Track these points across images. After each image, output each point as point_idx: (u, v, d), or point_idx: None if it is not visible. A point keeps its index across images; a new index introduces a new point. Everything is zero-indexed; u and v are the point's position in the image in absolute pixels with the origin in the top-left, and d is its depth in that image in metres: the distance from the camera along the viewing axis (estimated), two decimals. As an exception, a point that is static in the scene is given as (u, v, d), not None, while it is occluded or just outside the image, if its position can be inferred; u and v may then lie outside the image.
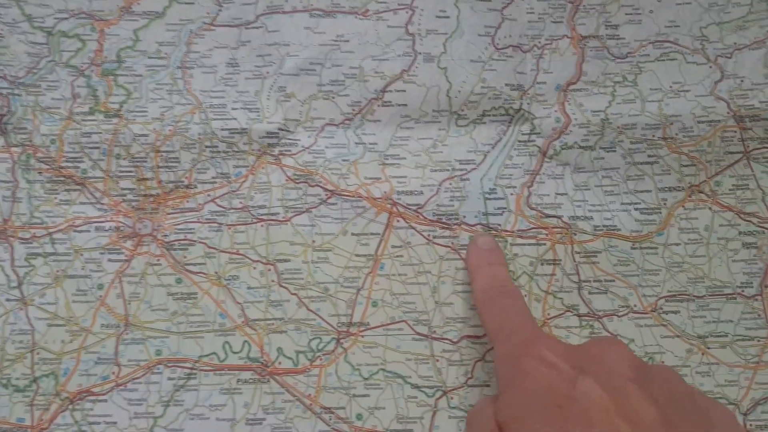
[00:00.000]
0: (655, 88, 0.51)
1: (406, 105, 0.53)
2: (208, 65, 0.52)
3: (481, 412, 0.37)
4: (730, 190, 0.52)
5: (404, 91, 0.53)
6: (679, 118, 0.52)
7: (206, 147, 0.49)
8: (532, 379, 0.34)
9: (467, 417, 0.40)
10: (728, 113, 0.50)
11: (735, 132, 0.53)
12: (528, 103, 0.53)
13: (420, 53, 0.53)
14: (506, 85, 0.53)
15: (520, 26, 0.52)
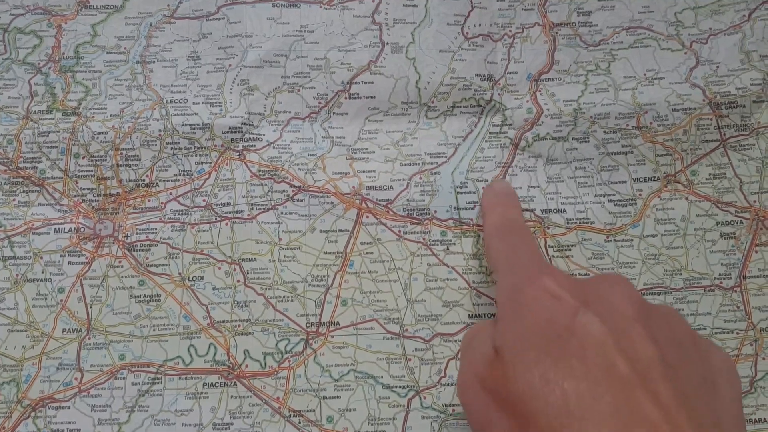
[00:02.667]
0: (628, 76, 0.45)
1: (374, 97, 0.47)
2: (169, 59, 0.46)
3: (478, 334, 0.34)
4: (706, 179, 0.47)
5: (372, 82, 0.47)
6: (654, 107, 0.47)
7: (167, 144, 0.43)
8: (534, 308, 0.31)
9: (463, 339, 0.36)
10: (704, 100, 0.45)
11: (711, 120, 0.47)
12: (499, 94, 0.47)
13: (387, 43, 0.47)
14: (477, 75, 0.47)
15: (490, 14, 0.45)
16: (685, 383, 0.27)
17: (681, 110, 0.46)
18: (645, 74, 0.45)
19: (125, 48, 0.47)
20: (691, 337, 0.31)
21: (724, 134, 0.47)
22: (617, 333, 0.28)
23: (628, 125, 0.46)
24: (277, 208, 0.42)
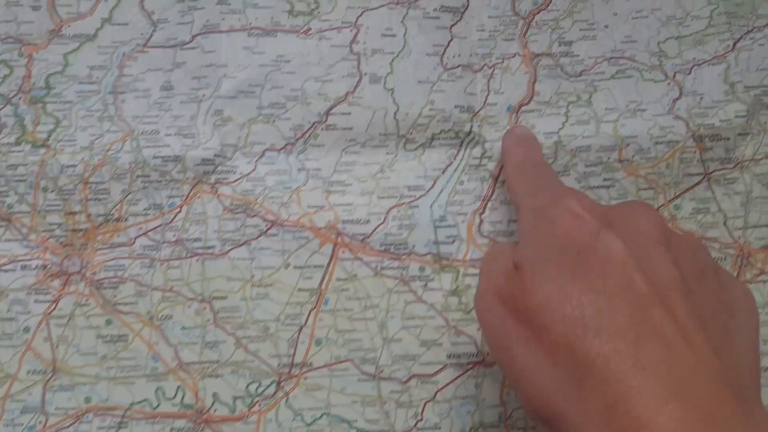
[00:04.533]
0: (610, 107, 0.36)
1: (351, 128, 0.40)
2: (142, 89, 0.39)
3: (498, 252, 0.30)
4: (690, 214, 0.39)
5: (349, 113, 0.40)
6: (636, 140, 0.39)
7: (138, 177, 0.35)
8: (556, 226, 0.27)
9: (483, 257, 0.32)
10: (687, 133, 0.35)
11: (694, 153, 0.40)
12: (479, 126, 0.40)
13: (365, 74, 0.40)
14: (456, 106, 0.40)
15: (469, 44, 0.36)
16: (703, 307, 0.24)
17: (664, 143, 0.39)
18: (627, 106, 0.37)
19: (97, 78, 0.39)
20: (713, 267, 0.27)
21: (708, 168, 0.39)
22: (639, 253, 0.25)
23: (609, 158, 0.39)
24: (250, 244, 0.33)
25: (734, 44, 0.39)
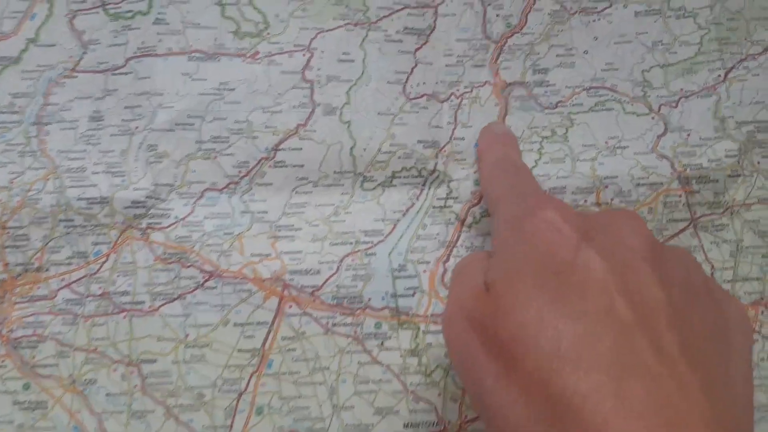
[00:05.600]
0: (588, 144, 0.30)
1: (302, 165, 0.30)
2: (68, 120, 0.30)
3: (470, 264, 0.23)
4: None
5: (300, 149, 0.30)
6: (615, 180, 0.31)
7: (60, 221, 0.30)
8: (533, 240, 0.21)
9: (454, 269, 0.24)
10: (672, 174, 0.30)
11: (680, 196, 0.30)
12: (444, 163, 0.31)
13: (319, 104, 0.31)
14: (419, 141, 0.31)
15: (435, 71, 0.28)
16: (693, 332, 0.18)
17: (646, 185, 0.31)
18: (606, 142, 0.31)
19: (20, 107, 0.30)
20: (704, 282, 0.21)
21: (695, 213, 0.30)
22: (622, 272, 0.19)
23: (586, 201, 0.30)
24: (185, 298, 0.26)
25: (726, 74, 0.28)
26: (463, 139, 0.30)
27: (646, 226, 0.21)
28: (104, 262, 0.28)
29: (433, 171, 0.30)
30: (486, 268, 0.22)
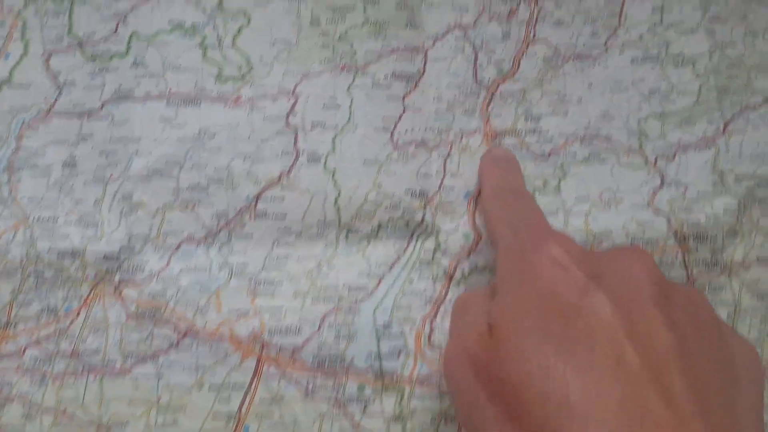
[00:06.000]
0: (581, 196, 0.28)
1: (284, 216, 0.27)
2: (41, 166, 0.27)
3: (472, 302, 0.21)
4: None
5: (283, 198, 0.27)
6: (610, 236, 0.27)
7: (30, 274, 0.26)
8: (537, 279, 0.19)
9: (455, 304, 0.22)
10: (669, 231, 0.28)
11: (676, 255, 0.27)
12: (432, 214, 0.28)
13: (303, 151, 0.27)
14: (407, 191, 0.28)
15: (424, 117, 0.28)
16: (703, 379, 0.17)
17: (642, 241, 0.27)
18: (601, 195, 0.28)
19: None
20: (714, 324, 0.19)
21: (692, 272, 0.27)
22: (631, 316, 0.17)
23: None
24: (158, 358, 0.22)
25: (725, 125, 0.25)
26: (452, 189, 0.27)
27: (655, 263, 0.20)
28: (75, 318, 0.25)
29: (421, 222, 0.27)
30: (489, 306, 0.20)
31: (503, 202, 0.25)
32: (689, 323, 0.18)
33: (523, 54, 0.29)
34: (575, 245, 0.20)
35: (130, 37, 0.27)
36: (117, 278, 0.25)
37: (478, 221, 0.27)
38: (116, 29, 0.28)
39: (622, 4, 0.29)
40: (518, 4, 0.29)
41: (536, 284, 0.19)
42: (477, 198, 0.27)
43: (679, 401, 0.16)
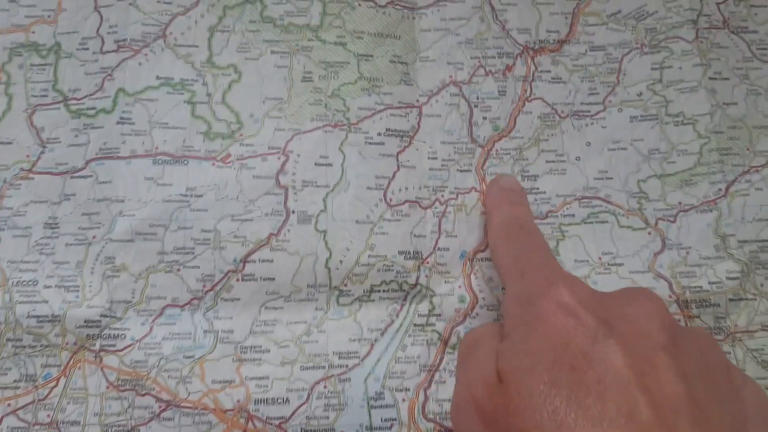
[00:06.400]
0: (580, 260, 0.27)
1: (273, 279, 0.26)
2: (21, 226, 0.26)
3: (481, 345, 0.20)
4: None
5: (271, 261, 0.25)
6: None
7: (8, 340, 0.24)
8: (547, 326, 0.18)
9: (462, 344, 0.22)
10: (670, 296, 0.27)
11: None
12: (426, 276, 0.26)
13: (293, 212, 0.26)
14: (400, 252, 0.26)
15: (419, 175, 0.27)
16: (715, 428, 0.17)
17: None
18: (600, 258, 0.27)
19: None
20: (724, 368, 0.19)
21: None
22: (642, 366, 0.17)
23: None
24: (138, 430, 0.22)
25: (727, 188, 0.24)
26: (447, 250, 0.26)
27: (664, 305, 0.19)
28: (54, 387, 0.24)
29: (415, 285, 0.26)
30: (496, 351, 0.20)
31: (510, 240, 0.25)
32: (700, 370, 0.18)
33: (519, 111, 0.28)
34: (584, 287, 0.20)
35: (117, 93, 0.27)
36: (98, 345, 0.24)
37: (474, 284, 0.26)
38: (102, 85, 0.27)
39: (621, 61, 0.29)
40: (514, 61, 0.29)
41: (546, 332, 0.18)
42: (473, 258, 0.26)
43: None
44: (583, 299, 0.19)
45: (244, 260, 0.25)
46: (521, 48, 0.28)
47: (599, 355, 0.17)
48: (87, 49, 0.27)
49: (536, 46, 0.29)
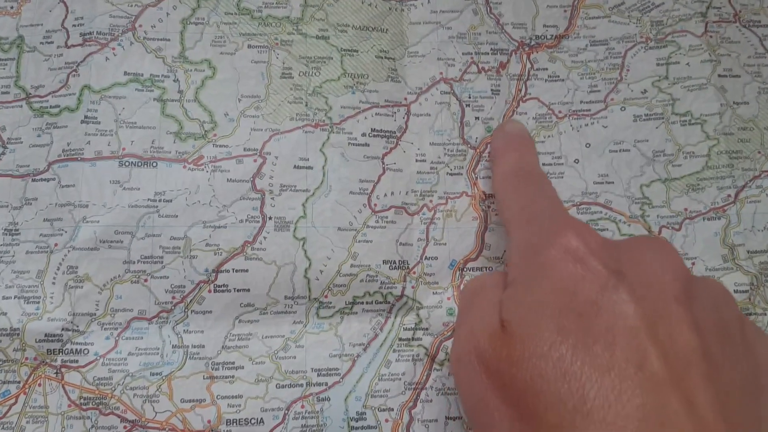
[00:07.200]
0: None
1: (248, 290, 0.24)
2: None
3: (485, 294, 0.20)
4: None
5: (246, 270, 0.23)
6: None
7: None
8: (554, 274, 0.18)
9: (464, 291, 0.21)
10: None
11: None
12: (413, 287, 0.24)
13: (270, 218, 0.24)
14: (385, 262, 0.24)
15: (406, 179, 0.25)
16: (726, 384, 0.16)
17: None
18: None
19: None
20: (738, 322, 0.18)
21: None
22: (654, 317, 0.16)
23: None
24: None
25: (737, 194, 0.23)
26: (435, 258, 0.25)
27: (679, 256, 0.18)
28: (12, 405, 0.22)
29: (401, 296, 0.24)
30: (500, 300, 0.19)
31: (516, 186, 0.23)
32: (713, 323, 0.17)
33: (513, 111, 0.26)
34: (594, 234, 0.19)
35: (82, 89, 0.25)
36: (59, 361, 0.22)
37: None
38: (67, 81, 0.25)
39: (624, 56, 0.27)
40: (509, 57, 0.27)
41: (553, 280, 0.18)
42: (463, 268, 0.24)
43: (702, 408, 0.15)
44: (593, 247, 0.18)
45: (217, 270, 0.23)
46: (516, 44, 0.26)
47: (609, 304, 0.17)
48: (51, 42, 0.25)
49: (532, 43, 0.26)
